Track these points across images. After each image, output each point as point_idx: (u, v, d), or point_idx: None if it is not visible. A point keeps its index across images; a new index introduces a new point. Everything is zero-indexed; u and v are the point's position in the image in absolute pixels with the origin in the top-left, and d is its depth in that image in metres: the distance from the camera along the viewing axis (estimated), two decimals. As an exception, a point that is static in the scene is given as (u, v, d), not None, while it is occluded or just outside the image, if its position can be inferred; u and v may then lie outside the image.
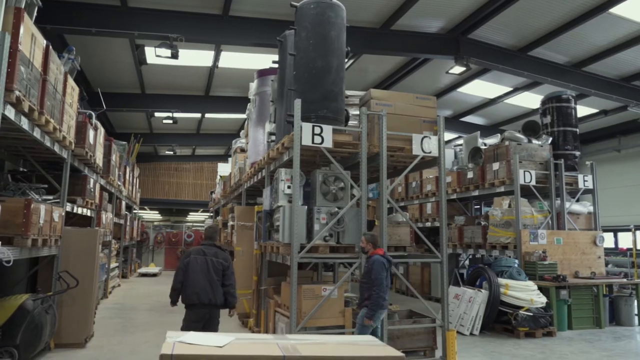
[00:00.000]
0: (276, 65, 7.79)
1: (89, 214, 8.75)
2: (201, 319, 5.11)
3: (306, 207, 6.29)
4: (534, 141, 10.69)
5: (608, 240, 16.19)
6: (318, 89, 6.34)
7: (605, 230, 12.77)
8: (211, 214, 20.85)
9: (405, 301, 11.67)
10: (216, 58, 11.52)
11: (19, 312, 5.61)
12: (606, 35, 10.22)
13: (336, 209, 6.24)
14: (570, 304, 8.79)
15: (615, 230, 17.09)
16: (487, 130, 16.40)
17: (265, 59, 10.34)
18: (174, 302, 5.26)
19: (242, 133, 12.15)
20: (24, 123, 5.06)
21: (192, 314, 5.13)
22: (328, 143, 6.12)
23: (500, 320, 8.39)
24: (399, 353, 2.06)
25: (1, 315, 5.53)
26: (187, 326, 5.08)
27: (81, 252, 7.05)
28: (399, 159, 7.16)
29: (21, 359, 5.61)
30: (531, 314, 8.03)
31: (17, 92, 4.56)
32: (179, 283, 5.19)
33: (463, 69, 10.84)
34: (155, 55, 9.53)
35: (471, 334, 8.17)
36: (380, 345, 2.22)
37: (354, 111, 7.16)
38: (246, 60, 11.68)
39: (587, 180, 10.68)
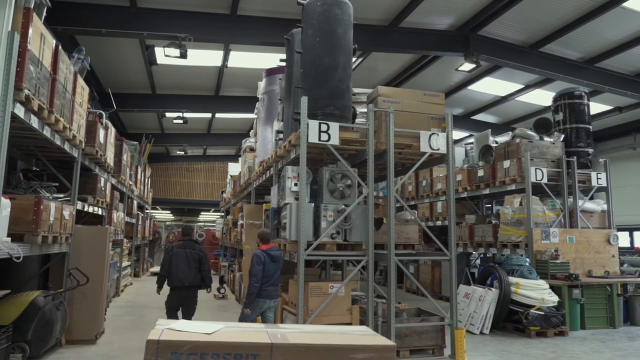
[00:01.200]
0: (284, 64, 7.81)
1: (100, 212, 8.85)
2: (183, 297, 6.49)
3: (313, 204, 6.28)
4: (546, 138, 10.55)
5: (623, 239, 15.93)
6: (325, 86, 6.33)
7: (620, 229, 12.57)
8: (222, 214, 20.97)
9: (415, 300, 11.59)
10: (225, 58, 11.57)
11: (30, 308, 5.70)
12: (620, 29, 10.04)
13: (343, 207, 6.22)
14: (583, 303, 8.65)
15: (631, 229, 16.79)
16: (499, 128, 16.23)
17: (274, 58, 10.36)
18: (159, 289, 6.59)
19: (251, 132, 12.20)
20: (34, 121, 5.14)
21: (175, 293, 6.50)
22: (335, 140, 6.11)
23: (511, 319, 8.29)
24: (389, 342, 2.03)
25: (13, 311, 5.62)
26: (171, 303, 6.50)
27: (91, 250, 7.13)
28: (407, 156, 7.13)
29: (32, 354, 5.71)
30: (542, 313, 7.92)
31: (26, 91, 4.63)
32: (165, 271, 6.52)
33: (473, 65, 10.74)
34: (164, 55, 9.60)
35: (481, 332, 8.08)
36: (372, 334, 2.20)
37: (361, 109, 7.14)
38: (255, 60, 11.72)
39: (600, 178, 10.50)
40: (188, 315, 6.57)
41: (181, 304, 6.52)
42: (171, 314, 6.53)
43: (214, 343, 1.89)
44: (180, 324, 2.20)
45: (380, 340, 2.10)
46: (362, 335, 2.16)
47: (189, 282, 6.48)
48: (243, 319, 6.05)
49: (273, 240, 7.24)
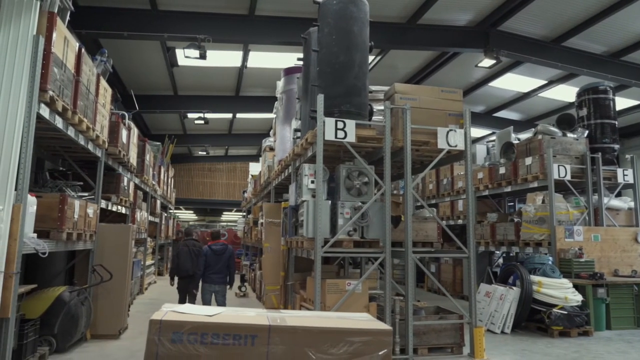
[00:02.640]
0: (301, 63, 7.86)
1: (123, 211, 9.06)
2: (187, 283, 7.99)
3: (330, 201, 6.31)
4: (569, 134, 10.31)
5: (653, 238, 15.39)
6: (341, 84, 6.35)
7: (648, 228, 12.15)
8: (244, 213, 21.18)
9: (436, 300, 11.49)
10: (245, 58, 11.72)
11: (56, 303, 5.91)
12: (646, 22, 9.76)
13: (360, 204, 6.23)
14: (609, 302, 8.44)
15: (661, 228, 16.24)
16: (522, 125, 15.94)
17: (292, 58, 10.44)
18: (172, 280, 8.19)
19: (271, 132, 12.31)
20: (58, 122, 5.31)
21: (182, 281, 8.04)
22: (351, 138, 6.12)
23: (534, 318, 8.14)
24: (386, 326, 2.05)
25: (41, 305, 5.83)
26: (180, 288, 8.06)
27: (115, 247, 7.32)
28: (425, 153, 7.08)
29: (59, 348, 5.91)
30: (566, 312, 7.76)
31: (50, 92, 4.80)
32: (175, 265, 8.07)
33: (493, 62, 10.61)
34: (184, 56, 9.78)
35: (502, 332, 7.97)
36: (370, 320, 2.21)
37: (378, 106, 7.13)
38: (274, 60, 11.82)
39: (627, 175, 10.22)
40: (191, 299, 8.03)
41: (187, 289, 8.02)
42: (182, 299, 8.03)
43: (214, 324, 1.95)
44: (185, 307, 2.27)
45: (377, 324, 2.12)
46: (360, 320, 2.18)
47: (192, 272, 7.93)
48: (202, 299, 7.76)
49: (290, 238, 7.33)
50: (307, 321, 2.09)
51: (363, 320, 2.20)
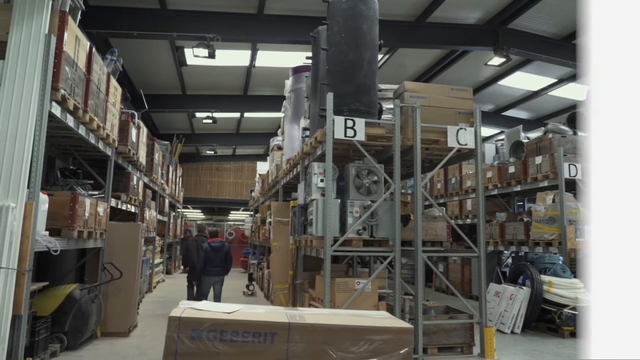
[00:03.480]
0: (310, 62, 7.85)
1: (133, 210, 9.11)
2: (194, 274, 9.20)
3: (339, 200, 6.29)
4: (580, 133, 10.21)
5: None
6: (350, 82, 6.33)
7: (660, 227, 12.00)
8: (251, 213, 21.22)
9: (445, 299, 11.43)
10: (253, 57, 11.72)
11: (67, 301, 5.94)
12: (659, 19, 9.63)
13: (369, 202, 6.21)
14: (621, 303, 8.34)
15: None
16: (532, 124, 15.82)
17: (301, 57, 10.43)
18: (184, 267, 9.92)
19: (279, 131, 12.31)
20: (70, 121, 5.34)
21: (191, 273, 9.51)
22: (361, 136, 6.10)
23: (544, 319, 8.07)
24: (407, 325, 2.03)
25: (52, 303, 5.87)
26: (189, 278, 9.63)
27: (125, 246, 7.34)
28: (435, 152, 7.04)
29: (70, 345, 5.94)
30: (577, 312, 7.69)
31: (62, 91, 4.83)
32: (184, 256, 9.74)
33: (502, 60, 10.53)
34: (193, 55, 9.81)
35: (512, 332, 7.91)
36: (390, 318, 2.20)
37: (388, 105, 7.10)
38: (282, 59, 11.82)
39: (639, 174, 10.08)
40: (198, 289, 8.97)
41: (195, 280, 9.23)
42: (189, 290, 9.49)
43: (234, 321, 1.94)
44: (202, 304, 2.27)
45: (397, 322, 2.10)
46: (379, 318, 2.16)
47: (197, 265, 8.92)
48: (200, 290, 8.71)
49: (299, 237, 7.33)
50: (326, 319, 2.08)
51: (383, 318, 2.19)
